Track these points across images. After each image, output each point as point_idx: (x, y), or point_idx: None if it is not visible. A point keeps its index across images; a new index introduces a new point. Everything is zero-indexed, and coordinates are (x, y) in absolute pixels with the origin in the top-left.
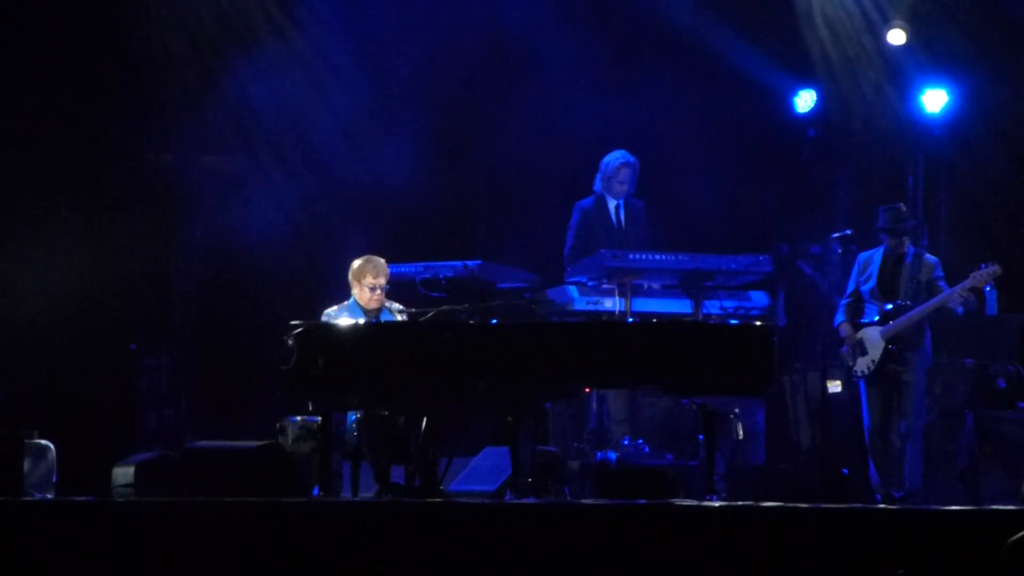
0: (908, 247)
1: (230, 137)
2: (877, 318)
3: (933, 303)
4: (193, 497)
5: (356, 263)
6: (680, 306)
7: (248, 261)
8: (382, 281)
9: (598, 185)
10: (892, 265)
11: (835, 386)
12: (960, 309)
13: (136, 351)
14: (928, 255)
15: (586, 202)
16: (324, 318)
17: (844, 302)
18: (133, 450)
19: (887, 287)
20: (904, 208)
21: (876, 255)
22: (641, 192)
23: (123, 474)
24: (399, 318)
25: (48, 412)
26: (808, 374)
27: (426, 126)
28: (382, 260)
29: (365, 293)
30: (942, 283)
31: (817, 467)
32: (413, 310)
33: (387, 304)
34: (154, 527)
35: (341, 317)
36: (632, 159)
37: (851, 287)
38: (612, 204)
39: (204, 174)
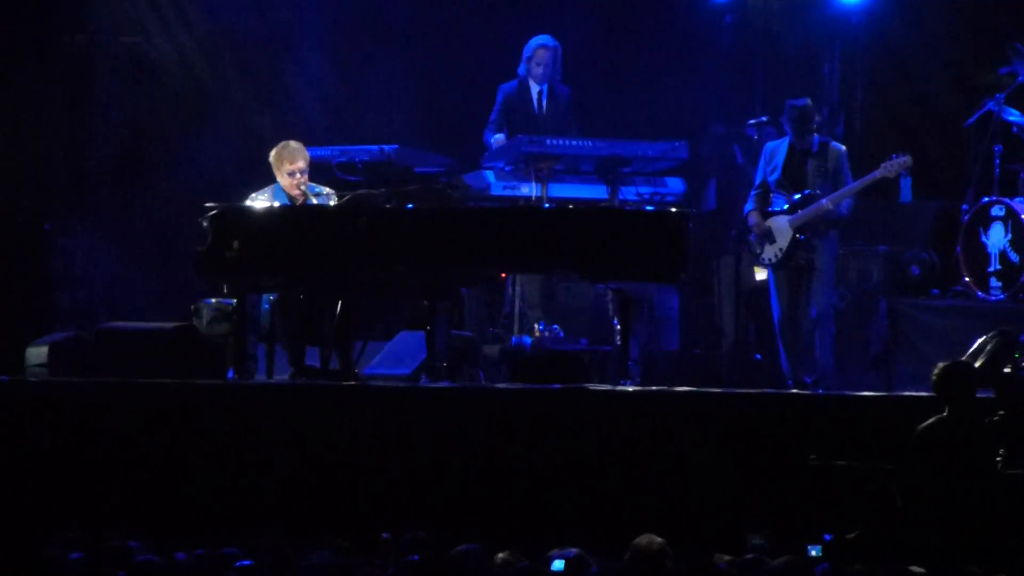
0: (814, 137)
1: (146, 18)
2: (785, 207)
3: (842, 192)
4: (106, 378)
5: (274, 151)
6: (597, 192)
7: (165, 143)
8: (301, 164)
9: (521, 70)
10: (799, 156)
11: (761, 274)
12: (843, 211)
13: (50, 231)
14: (835, 143)
15: (509, 85)
16: (248, 203)
17: (753, 192)
18: (47, 330)
19: (794, 177)
20: (810, 105)
21: (782, 146)
22: (563, 78)
23: (36, 354)
24: (324, 201)
25: None
26: (723, 259)
27: (348, 10)
28: (298, 144)
29: (286, 179)
30: (847, 172)
31: (733, 353)
32: (343, 194)
33: (311, 189)
34: (67, 407)
35: (264, 201)
36: (551, 42)
37: (759, 177)
38: (535, 90)
39: (120, 55)
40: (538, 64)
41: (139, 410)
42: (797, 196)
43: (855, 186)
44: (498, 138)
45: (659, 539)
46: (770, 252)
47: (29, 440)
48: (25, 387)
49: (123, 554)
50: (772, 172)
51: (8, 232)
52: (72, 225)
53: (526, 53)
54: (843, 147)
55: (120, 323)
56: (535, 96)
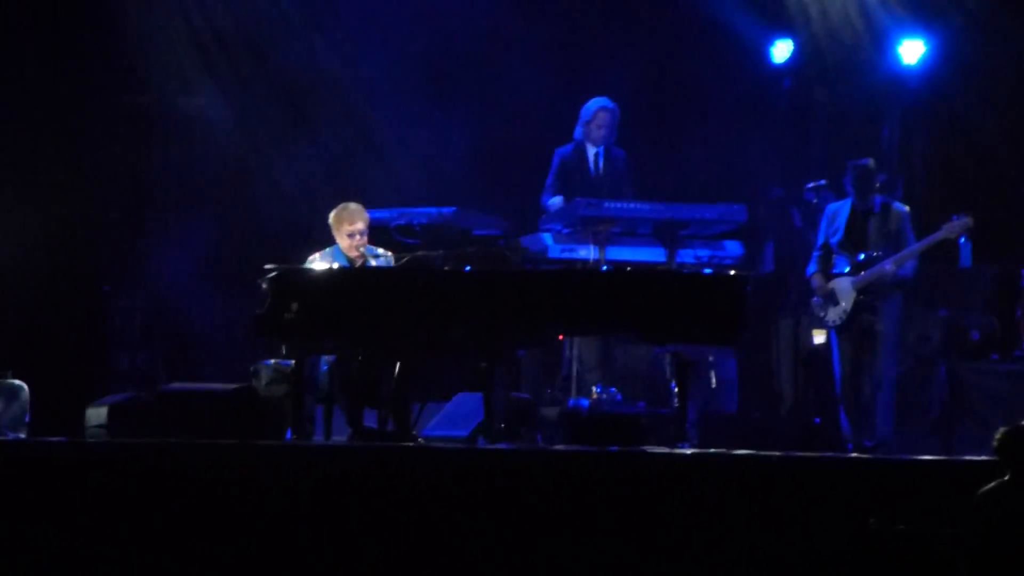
0: (875, 198)
1: (205, 79)
2: (848, 269)
3: (904, 253)
4: (166, 439)
5: (333, 212)
6: (654, 255)
7: (222, 203)
8: (360, 226)
9: (578, 132)
10: (860, 217)
11: (820, 337)
12: (908, 272)
13: (110, 292)
14: (897, 204)
15: (565, 149)
16: (308, 264)
17: (815, 254)
18: (107, 391)
19: (856, 239)
20: (872, 165)
21: (844, 207)
22: (620, 141)
23: (96, 415)
24: (383, 264)
25: (22, 352)
26: (782, 322)
27: (407, 72)
28: (358, 205)
29: (345, 240)
30: (910, 234)
31: (792, 416)
32: (401, 256)
33: (370, 251)
34: (127, 468)
35: (323, 263)
36: (611, 104)
37: (821, 239)
38: (592, 152)
39: (179, 116)
40: (599, 126)
41: (198, 471)
42: (860, 257)
43: (917, 247)
44: (555, 201)
45: None
46: (834, 314)
47: (88, 501)
48: (85, 448)
49: None
50: (834, 233)
51: (68, 293)
52: (131, 286)
53: (585, 116)
54: (905, 208)
55: (179, 384)
56: (591, 158)
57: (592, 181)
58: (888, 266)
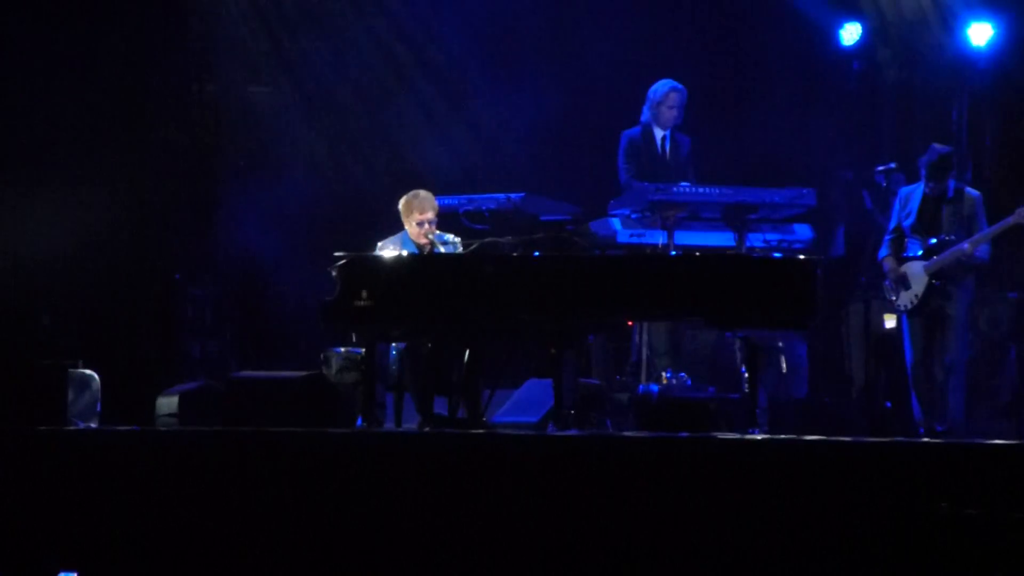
0: (949, 183)
1: (273, 68)
2: (920, 252)
3: (977, 238)
4: (237, 427)
5: (403, 200)
6: (723, 239)
7: (293, 191)
8: (430, 215)
9: (645, 115)
10: (933, 201)
11: (890, 321)
12: (983, 256)
13: (180, 281)
14: (969, 189)
15: (633, 131)
16: (377, 251)
17: (887, 237)
18: (177, 380)
19: (929, 223)
20: (951, 154)
21: (917, 191)
22: (686, 124)
23: (167, 404)
24: (451, 250)
25: (93, 342)
26: (852, 306)
27: (469, 58)
28: (428, 193)
29: (414, 228)
30: (983, 219)
31: (863, 401)
32: (470, 242)
33: (439, 238)
34: (198, 456)
35: (391, 250)
36: (680, 86)
37: (893, 222)
38: (659, 135)
39: (249, 105)
40: (670, 107)
41: (269, 459)
42: (933, 241)
43: (989, 232)
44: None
45: None
46: (905, 298)
47: (159, 490)
48: (156, 437)
49: None
50: (907, 217)
51: (139, 282)
52: (202, 275)
53: (654, 97)
54: (978, 193)
55: (249, 372)
56: (659, 141)
57: (659, 164)
58: (964, 247)
